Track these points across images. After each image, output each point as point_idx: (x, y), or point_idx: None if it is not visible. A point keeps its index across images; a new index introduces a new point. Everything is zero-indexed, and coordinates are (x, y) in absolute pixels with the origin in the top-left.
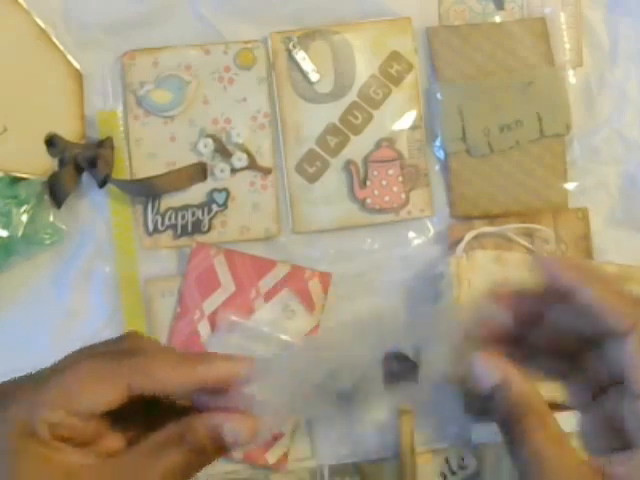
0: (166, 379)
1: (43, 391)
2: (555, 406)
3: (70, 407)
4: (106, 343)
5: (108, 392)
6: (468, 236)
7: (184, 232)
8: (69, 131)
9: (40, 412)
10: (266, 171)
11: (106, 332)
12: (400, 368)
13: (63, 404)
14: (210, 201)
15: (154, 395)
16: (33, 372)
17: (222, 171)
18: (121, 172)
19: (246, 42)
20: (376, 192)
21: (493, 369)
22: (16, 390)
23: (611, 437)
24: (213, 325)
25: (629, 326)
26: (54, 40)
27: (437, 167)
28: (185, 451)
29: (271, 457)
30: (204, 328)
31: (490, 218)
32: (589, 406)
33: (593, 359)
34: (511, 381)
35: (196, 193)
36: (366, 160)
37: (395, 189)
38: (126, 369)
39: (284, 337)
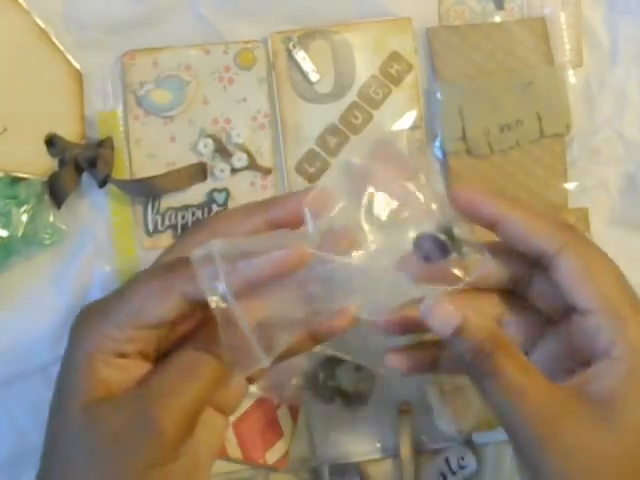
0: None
1: (109, 313)
2: None
3: (134, 323)
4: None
5: (164, 302)
6: None
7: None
8: (69, 131)
9: (108, 332)
10: (266, 171)
11: None
12: (434, 247)
13: (128, 322)
14: (210, 201)
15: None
16: (101, 297)
17: (222, 171)
18: (121, 172)
19: (246, 42)
20: None
21: (451, 313)
22: (88, 318)
23: (567, 365)
24: None
25: (559, 246)
26: (54, 40)
27: (437, 167)
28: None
29: (271, 457)
30: None
31: None
32: (541, 340)
33: (537, 291)
34: (471, 321)
35: (196, 193)
36: None
37: None
38: (175, 275)
39: None
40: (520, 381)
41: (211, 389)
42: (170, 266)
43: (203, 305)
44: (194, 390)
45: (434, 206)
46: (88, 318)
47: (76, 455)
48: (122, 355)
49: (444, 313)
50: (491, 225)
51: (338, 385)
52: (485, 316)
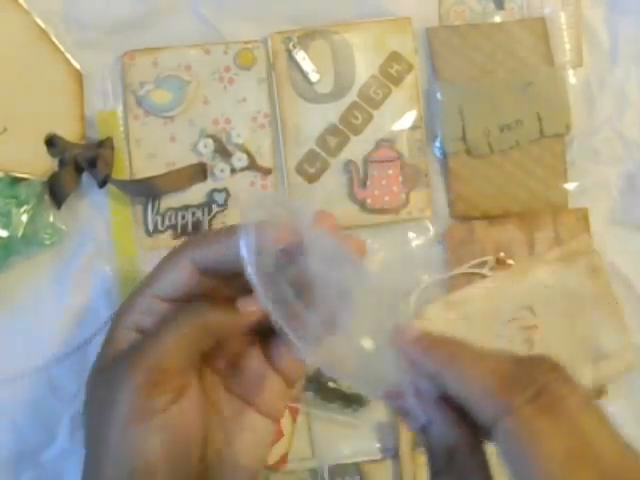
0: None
1: (138, 287)
2: None
3: (150, 291)
4: None
5: (174, 268)
6: None
7: (184, 232)
8: (69, 131)
9: (133, 303)
10: (266, 171)
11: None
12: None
13: (145, 290)
14: (210, 201)
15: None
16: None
17: (222, 171)
18: (121, 172)
19: (246, 42)
20: (376, 192)
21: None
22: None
23: None
24: None
25: (495, 416)
26: (54, 40)
27: (437, 167)
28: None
29: (271, 457)
30: None
31: (490, 218)
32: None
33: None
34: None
35: (196, 193)
36: (366, 160)
37: (395, 189)
38: (186, 244)
39: None
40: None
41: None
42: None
43: (214, 276)
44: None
45: None
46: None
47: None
48: (139, 329)
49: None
50: (436, 377)
51: (339, 386)
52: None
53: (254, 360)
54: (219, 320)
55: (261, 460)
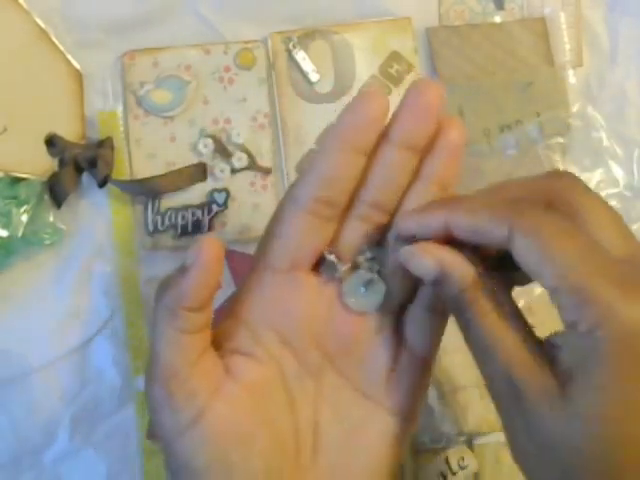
0: None
1: None
2: None
3: None
4: None
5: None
6: None
7: (184, 232)
8: (69, 131)
9: None
10: (266, 171)
11: (106, 332)
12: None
13: None
14: (210, 201)
15: None
16: None
17: (222, 171)
18: (121, 172)
19: (246, 42)
20: None
21: (428, 260)
22: None
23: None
24: None
25: (508, 232)
26: (54, 40)
27: None
28: None
29: None
30: None
31: None
32: None
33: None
34: (451, 269)
35: (196, 193)
36: None
37: None
38: None
39: None
40: (498, 334)
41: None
42: None
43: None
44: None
45: None
46: None
47: None
48: None
49: (421, 265)
50: (445, 235)
51: None
52: (466, 264)
53: (383, 350)
54: None
55: (394, 467)
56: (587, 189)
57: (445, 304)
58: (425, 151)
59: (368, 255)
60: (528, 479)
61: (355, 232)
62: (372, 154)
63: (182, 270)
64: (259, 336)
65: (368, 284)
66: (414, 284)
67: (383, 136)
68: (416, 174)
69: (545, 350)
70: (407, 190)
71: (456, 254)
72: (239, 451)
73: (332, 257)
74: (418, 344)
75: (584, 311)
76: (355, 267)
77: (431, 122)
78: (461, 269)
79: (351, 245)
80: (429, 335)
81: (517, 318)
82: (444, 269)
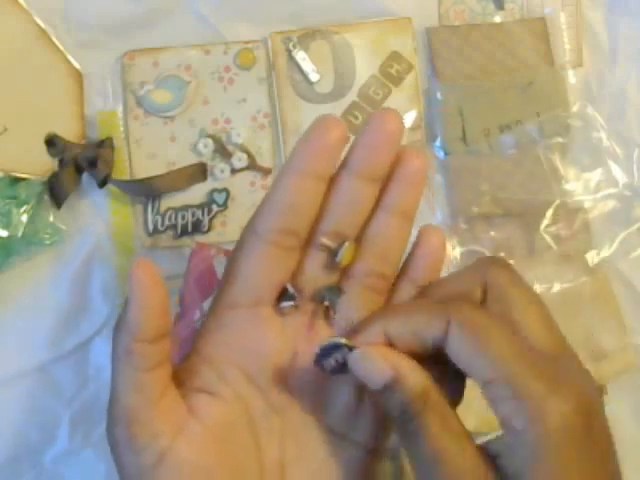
0: None
1: None
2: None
3: None
4: None
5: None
6: None
7: (184, 232)
8: (69, 131)
9: None
10: (266, 171)
11: (106, 332)
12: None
13: None
14: (210, 201)
15: None
16: None
17: (222, 171)
18: (121, 172)
19: (246, 42)
20: None
21: (383, 364)
22: None
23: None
24: None
25: (443, 328)
26: (54, 40)
27: (437, 167)
28: None
29: None
30: None
31: (490, 218)
32: None
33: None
34: (405, 375)
35: (196, 193)
36: None
37: None
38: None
39: None
40: (445, 444)
41: None
42: None
43: None
44: None
45: None
46: None
47: None
48: None
49: (374, 368)
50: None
51: None
52: (420, 371)
53: (349, 383)
54: None
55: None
56: (517, 279)
57: (386, 411)
58: (386, 180)
59: (329, 289)
60: None
61: (316, 262)
62: (332, 183)
63: (126, 304)
64: (224, 374)
65: (340, 356)
66: None
67: (342, 165)
68: (377, 203)
69: (487, 459)
70: (368, 220)
71: (410, 359)
72: None
73: (293, 290)
74: None
75: (518, 406)
76: (316, 299)
77: (390, 152)
78: (415, 376)
79: (313, 276)
80: None
81: (460, 426)
82: (399, 375)
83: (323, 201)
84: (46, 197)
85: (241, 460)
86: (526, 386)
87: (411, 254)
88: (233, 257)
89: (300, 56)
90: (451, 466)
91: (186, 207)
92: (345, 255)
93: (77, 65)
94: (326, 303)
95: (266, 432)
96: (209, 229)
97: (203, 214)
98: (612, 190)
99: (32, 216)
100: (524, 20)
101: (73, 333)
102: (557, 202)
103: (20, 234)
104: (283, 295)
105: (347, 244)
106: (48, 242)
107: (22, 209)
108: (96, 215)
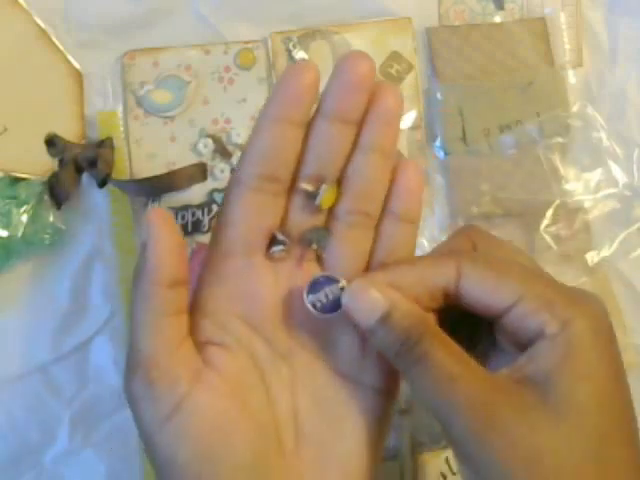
0: None
1: None
2: None
3: None
4: None
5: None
6: None
7: (184, 232)
8: (69, 131)
9: None
10: None
11: (106, 332)
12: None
13: None
14: (210, 201)
15: None
16: None
17: (222, 171)
18: (121, 172)
19: (246, 42)
20: None
21: (378, 294)
22: None
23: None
24: None
25: (456, 273)
26: (54, 40)
27: (437, 167)
28: None
29: None
30: None
31: (490, 218)
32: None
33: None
34: (399, 307)
35: (196, 193)
36: None
37: None
38: None
39: None
40: (452, 368)
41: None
42: None
43: None
44: None
45: None
46: None
47: None
48: None
49: (369, 299)
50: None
51: None
52: (414, 304)
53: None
54: None
55: (380, 445)
56: (499, 239)
57: (384, 351)
58: (362, 121)
59: (314, 231)
60: None
61: (300, 208)
62: (310, 128)
63: (143, 247)
64: (226, 325)
65: (330, 291)
66: None
67: (317, 110)
68: (355, 145)
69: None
70: (348, 162)
71: (400, 294)
72: (223, 442)
73: (283, 236)
74: None
75: (552, 312)
76: (303, 242)
77: (362, 93)
78: (409, 307)
79: (298, 221)
80: None
81: (465, 355)
82: (395, 304)
83: (302, 146)
84: (46, 197)
85: (256, 408)
86: (554, 296)
87: (390, 190)
88: (222, 208)
89: (300, 56)
90: (462, 389)
91: (186, 207)
92: (325, 197)
93: (77, 65)
94: (314, 246)
95: (276, 382)
96: (209, 229)
97: (203, 214)
98: (612, 190)
99: (32, 216)
100: (524, 20)
101: (73, 333)
102: (557, 202)
103: (20, 234)
104: (273, 242)
105: (325, 186)
106: (48, 242)
107: (22, 209)
108: (96, 215)
